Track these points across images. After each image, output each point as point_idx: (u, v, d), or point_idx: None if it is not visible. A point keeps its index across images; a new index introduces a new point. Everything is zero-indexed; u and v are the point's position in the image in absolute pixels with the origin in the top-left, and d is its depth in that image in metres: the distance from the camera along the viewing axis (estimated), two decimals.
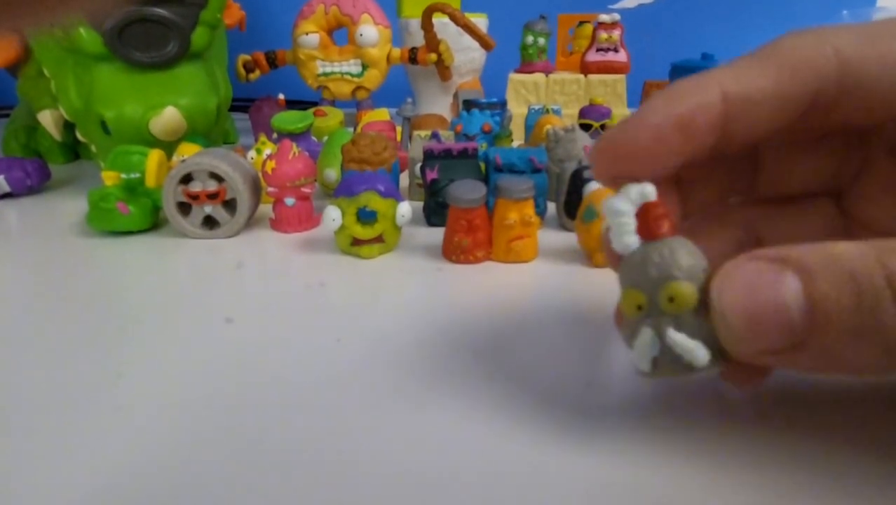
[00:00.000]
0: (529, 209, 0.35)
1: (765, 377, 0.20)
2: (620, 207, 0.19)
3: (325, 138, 0.49)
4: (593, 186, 0.38)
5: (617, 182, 0.19)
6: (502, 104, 0.58)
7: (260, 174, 0.42)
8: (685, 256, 0.17)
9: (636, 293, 0.18)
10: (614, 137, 0.19)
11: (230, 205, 0.40)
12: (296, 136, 0.49)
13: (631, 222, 0.19)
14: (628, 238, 0.19)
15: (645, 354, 0.18)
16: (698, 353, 0.17)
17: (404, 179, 0.51)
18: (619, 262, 0.20)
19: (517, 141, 0.64)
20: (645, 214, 0.18)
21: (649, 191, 0.18)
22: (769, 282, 0.15)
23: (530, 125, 0.59)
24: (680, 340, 0.17)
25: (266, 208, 0.44)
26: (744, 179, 0.23)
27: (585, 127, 0.61)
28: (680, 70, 0.68)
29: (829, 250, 0.15)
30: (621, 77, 0.70)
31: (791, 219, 0.22)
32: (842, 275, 0.15)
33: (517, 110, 0.69)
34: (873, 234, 0.16)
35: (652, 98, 0.19)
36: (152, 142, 0.46)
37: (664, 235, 0.18)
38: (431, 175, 0.40)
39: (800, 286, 0.15)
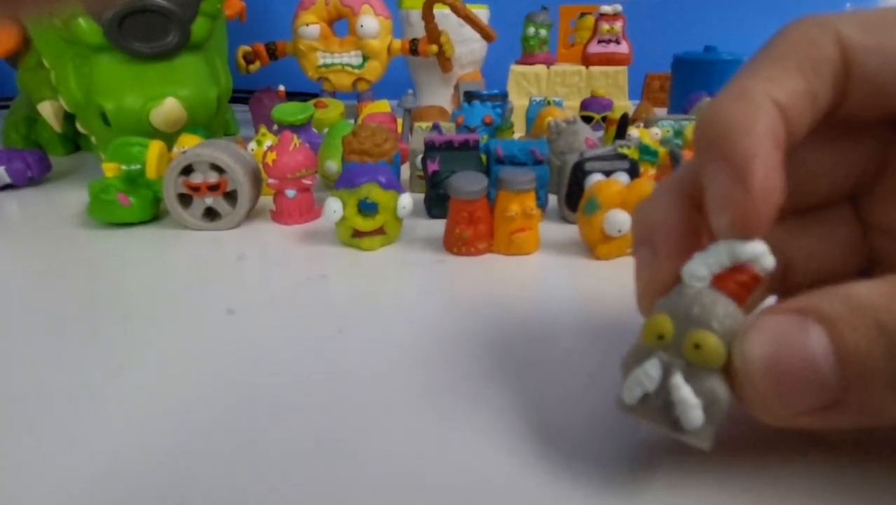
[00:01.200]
0: (531, 201, 0.35)
1: None
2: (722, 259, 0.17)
3: (326, 130, 0.49)
4: (595, 178, 0.38)
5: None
6: (503, 96, 0.58)
7: (261, 166, 0.42)
8: (732, 316, 0.16)
9: (666, 321, 0.17)
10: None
11: (231, 196, 0.40)
12: (296, 128, 0.49)
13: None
14: (701, 272, 0.17)
15: (639, 385, 0.17)
16: (694, 412, 0.16)
17: (405, 171, 0.51)
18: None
19: (518, 133, 0.64)
20: (739, 274, 0.17)
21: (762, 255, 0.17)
22: (793, 335, 0.14)
23: (532, 117, 0.59)
24: (685, 389, 0.16)
25: (267, 200, 0.44)
26: None
27: (587, 119, 0.61)
28: (682, 62, 0.68)
29: (851, 296, 0.14)
30: (623, 69, 0.70)
31: (813, 232, 0.21)
32: (868, 324, 0.14)
33: (518, 102, 0.68)
34: (894, 241, 0.15)
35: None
36: (152, 133, 0.46)
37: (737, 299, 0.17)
38: (433, 167, 0.40)
39: (826, 338, 0.14)
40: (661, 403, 0.16)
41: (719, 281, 0.17)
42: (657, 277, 0.19)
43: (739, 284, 0.16)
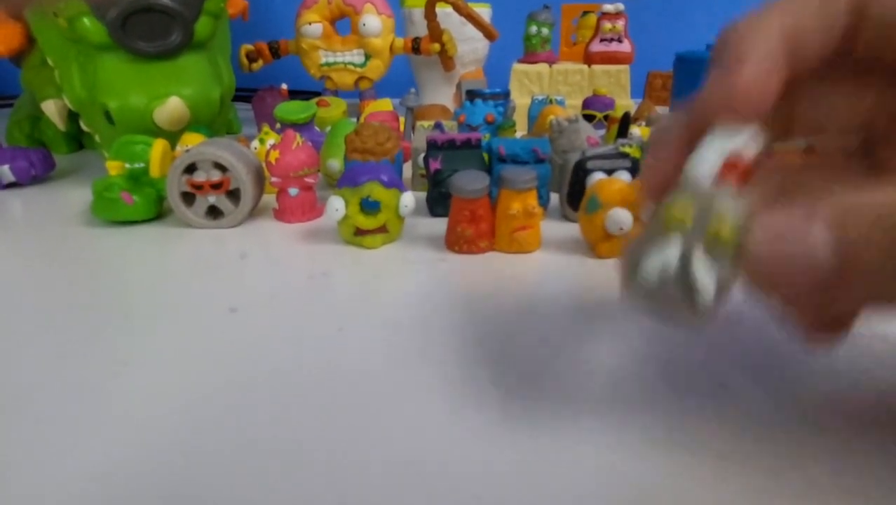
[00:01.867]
0: (532, 200, 0.35)
1: (841, 334, 0.19)
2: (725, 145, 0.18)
3: (329, 128, 0.49)
4: (596, 177, 0.38)
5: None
6: (505, 94, 0.58)
7: (263, 164, 0.42)
8: (747, 207, 0.17)
9: (690, 208, 0.18)
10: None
11: (234, 195, 0.40)
12: (299, 127, 0.49)
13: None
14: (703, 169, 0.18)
15: (659, 264, 0.18)
16: (710, 288, 0.17)
17: (407, 170, 0.51)
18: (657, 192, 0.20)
19: (520, 131, 0.64)
20: (734, 167, 0.18)
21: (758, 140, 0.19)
22: (798, 225, 0.16)
23: (534, 116, 0.59)
24: (704, 267, 0.17)
25: (269, 198, 0.44)
26: (780, 125, 0.22)
27: (589, 118, 0.61)
28: (684, 61, 0.68)
29: (853, 197, 0.16)
30: (625, 67, 0.70)
31: (825, 174, 0.21)
32: (869, 217, 0.15)
33: (520, 101, 0.68)
34: None
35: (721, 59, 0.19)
36: (156, 132, 0.46)
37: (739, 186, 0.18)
38: (435, 165, 0.40)
39: (827, 230, 0.15)
40: (680, 282, 0.17)
41: (720, 175, 0.18)
42: (663, 169, 0.20)
43: (737, 175, 0.18)
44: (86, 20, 0.44)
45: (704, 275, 0.17)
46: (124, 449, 0.20)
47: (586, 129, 0.45)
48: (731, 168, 0.18)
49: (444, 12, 0.67)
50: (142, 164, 0.41)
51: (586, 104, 0.62)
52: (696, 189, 0.18)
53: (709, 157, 0.18)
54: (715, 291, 0.17)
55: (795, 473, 0.19)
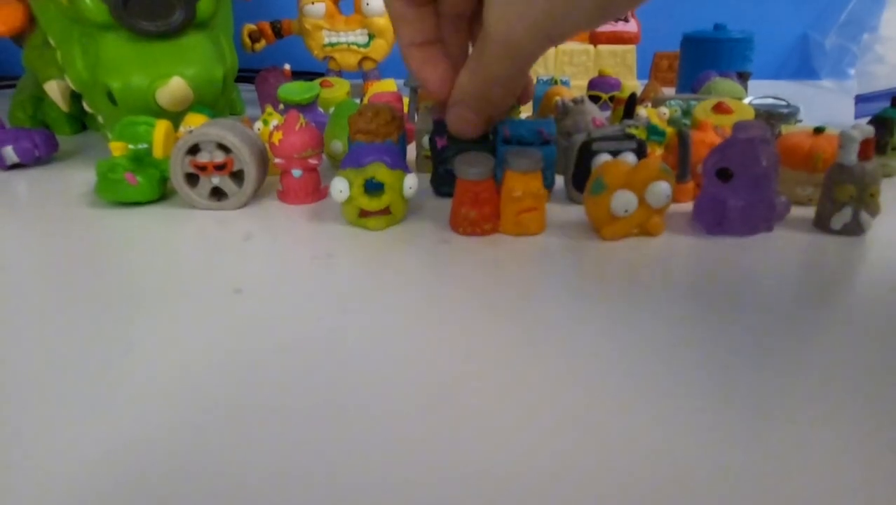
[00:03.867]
0: (537, 182, 0.35)
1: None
2: (854, 136, 0.33)
3: (332, 109, 0.49)
4: (602, 159, 0.38)
5: None
6: None
7: (267, 145, 0.42)
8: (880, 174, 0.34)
9: (852, 188, 0.34)
10: None
11: (238, 176, 0.40)
12: (302, 107, 0.49)
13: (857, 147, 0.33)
14: (853, 156, 0.34)
15: (842, 221, 0.35)
16: (867, 222, 0.35)
17: (411, 151, 0.51)
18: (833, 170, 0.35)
19: (525, 112, 0.64)
20: (866, 145, 0.33)
21: (869, 130, 0.33)
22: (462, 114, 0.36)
23: (539, 97, 0.58)
24: (868, 217, 0.35)
25: (273, 180, 0.44)
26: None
27: (594, 99, 0.60)
28: (691, 41, 0.67)
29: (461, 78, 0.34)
30: (631, 48, 0.69)
31: (459, 30, 0.35)
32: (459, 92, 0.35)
33: None
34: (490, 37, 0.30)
35: None
36: (159, 112, 0.46)
37: (870, 158, 0.34)
38: (441, 142, 0.40)
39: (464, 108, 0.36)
40: (854, 226, 0.35)
41: (862, 153, 0.34)
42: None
43: (868, 149, 0.34)
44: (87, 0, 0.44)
45: (869, 218, 0.34)
46: (130, 429, 0.20)
47: (592, 110, 0.45)
48: (869, 145, 0.34)
49: None
50: (145, 145, 0.41)
51: (592, 85, 0.61)
52: None
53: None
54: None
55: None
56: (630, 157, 0.38)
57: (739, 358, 0.24)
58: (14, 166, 0.49)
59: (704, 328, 0.26)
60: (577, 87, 0.65)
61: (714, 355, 0.24)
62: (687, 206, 0.39)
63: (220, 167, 0.39)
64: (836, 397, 0.21)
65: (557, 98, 0.46)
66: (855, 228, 0.35)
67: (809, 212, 0.38)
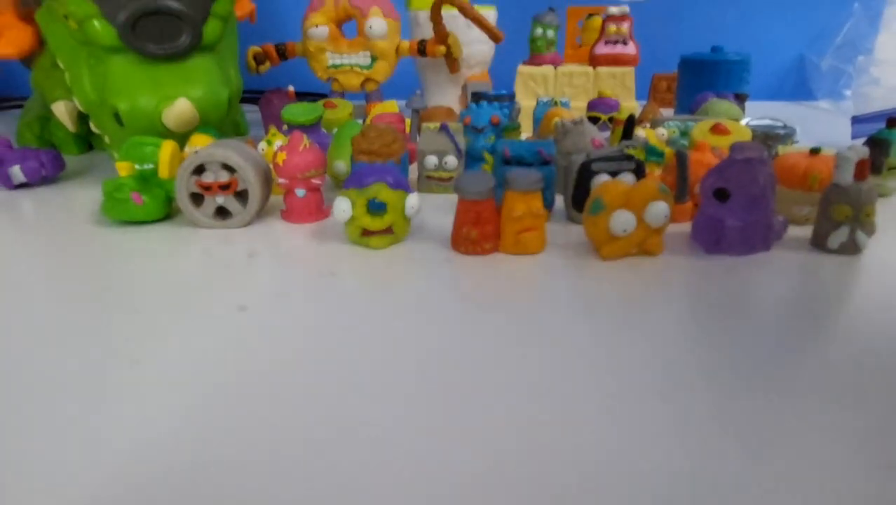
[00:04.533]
0: (537, 201, 0.36)
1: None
2: (850, 157, 0.34)
3: (335, 130, 0.49)
4: (601, 179, 0.39)
5: None
6: (511, 96, 0.58)
7: (271, 166, 0.42)
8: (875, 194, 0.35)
9: (848, 208, 0.34)
10: None
11: (242, 195, 0.41)
12: (306, 128, 0.49)
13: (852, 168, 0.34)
14: (849, 177, 0.35)
15: (839, 240, 0.35)
16: (864, 242, 0.35)
17: (413, 171, 0.51)
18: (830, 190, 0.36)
19: (526, 133, 0.64)
20: (861, 165, 0.34)
21: (864, 151, 0.34)
22: None
23: (539, 117, 0.59)
24: (864, 237, 0.35)
25: (277, 199, 0.45)
26: None
27: (594, 120, 0.61)
28: (689, 63, 0.68)
29: None
30: (630, 70, 0.70)
31: None
32: None
33: (526, 102, 0.69)
34: None
35: None
36: (165, 133, 0.46)
37: (865, 179, 0.34)
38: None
39: None
40: (852, 246, 0.36)
41: (858, 174, 0.35)
42: None
43: (864, 169, 0.35)
44: (96, 23, 0.45)
45: (864, 238, 0.35)
46: (136, 441, 0.20)
47: (591, 131, 0.45)
48: (864, 165, 0.34)
49: (450, 15, 0.68)
50: (151, 166, 0.42)
51: (591, 106, 0.62)
52: None
53: None
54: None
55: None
56: (629, 178, 0.39)
57: (737, 375, 0.24)
58: (21, 185, 0.50)
59: (703, 346, 0.26)
60: (577, 108, 0.66)
61: (713, 372, 0.24)
62: (686, 225, 0.39)
63: (224, 187, 0.40)
64: (833, 414, 0.22)
65: (557, 119, 0.47)
66: (851, 248, 0.35)
67: (807, 231, 0.38)
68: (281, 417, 0.22)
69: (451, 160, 0.47)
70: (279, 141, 0.46)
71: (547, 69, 0.71)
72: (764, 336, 0.27)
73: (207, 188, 0.40)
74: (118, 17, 0.45)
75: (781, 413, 0.22)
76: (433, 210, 0.43)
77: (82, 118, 0.58)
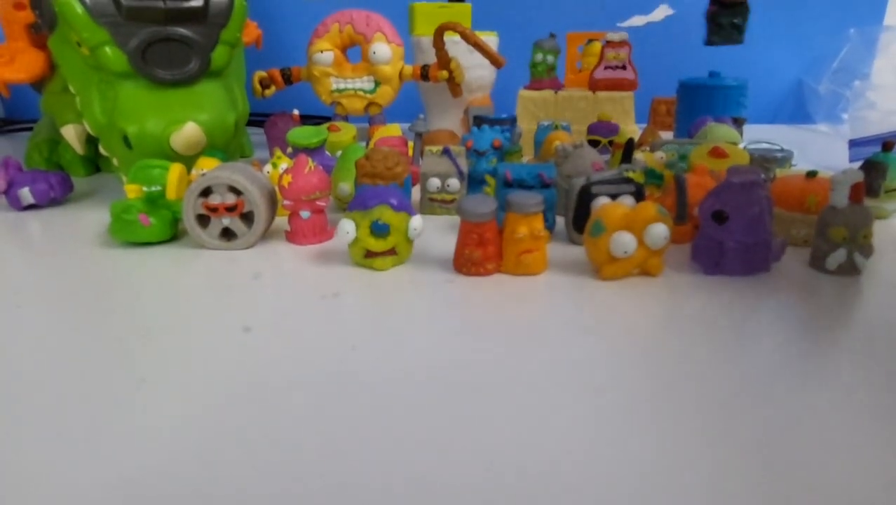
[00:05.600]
0: (539, 223, 0.36)
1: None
2: (844, 180, 0.35)
3: (339, 153, 0.50)
4: (601, 201, 0.39)
5: None
6: (512, 120, 0.59)
7: (276, 188, 0.43)
8: (873, 216, 0.36)
9: (844, 230, 0.35)
10: None
11: (247, 217, 0.41)
12: (310, 151, 0.50)
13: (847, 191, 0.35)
14: (844, 199, 0.35)
15: (837, 261, 0.35)
16: (862, 263, 0.35)
17: (416, 193, 0.52)
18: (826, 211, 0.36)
19: (527, 156, 0.65)
20: (856, 188, 0.35)
21: (859, 174, 0.35)
22: None
23: (539, 141, 0.60)
24: (862, 258, 0.35)
25: (282, 221, 0.45)
26: None
27: (594, 143, 0.62)
28: (687, 87, 0.69)
29: None
30: (629, 94, 0.71)
31: None
32: None
33: (527, 126, 0.70)
34: None
35: None
36: (172, 156, 0.47)
37: (860, 201, 0.35)
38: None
39: None
40: (848, 267, 0.36)
41: (853, 196, 0.36)
42: None
43: (859, 192, 0.36)
44: (108, 49, 0.46)
45: (863, 260, 0.36)
46: (142, 461, 0.21)
47: (591, 154, 0.46)
48: (859, 188, 0.35)
49: (452, 40, 0.69)
50: (159, 188, 0.42)
51: (591, 130, 0.63)
52: None
53: None
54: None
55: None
56: (628, 200, 0.39)
57: (738, 395, 0.24)
58: (30, 207, 0.51)
59: (703, 366, 0.27)
60: (577, 131, 0.67)
61: (713, 392, 0.24)
62: (686, 247, 0.40)
63: (230, 209, 0.40)
64: (834, 434, 0.22)
65: (558, 143, 0.48)
66: (850, 269, 0.36)
67: (805, 253, 0.39)
68: (285, 437, 0.22)
69: (454, 183, 0.48)
70: (284, 164, 0.47)
71: (547, 93, 0.72)
72: (764, 354, 0.27)
73: (214, 210, 0.40)
74: (129, 44, 0.46)
75: (785, 432, 0.22)
76: (436, 232, 0.44)
77: (90, 141, 0.59)
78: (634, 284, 0.36)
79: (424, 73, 0.71)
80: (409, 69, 0.72)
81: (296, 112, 0.67)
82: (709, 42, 0.61)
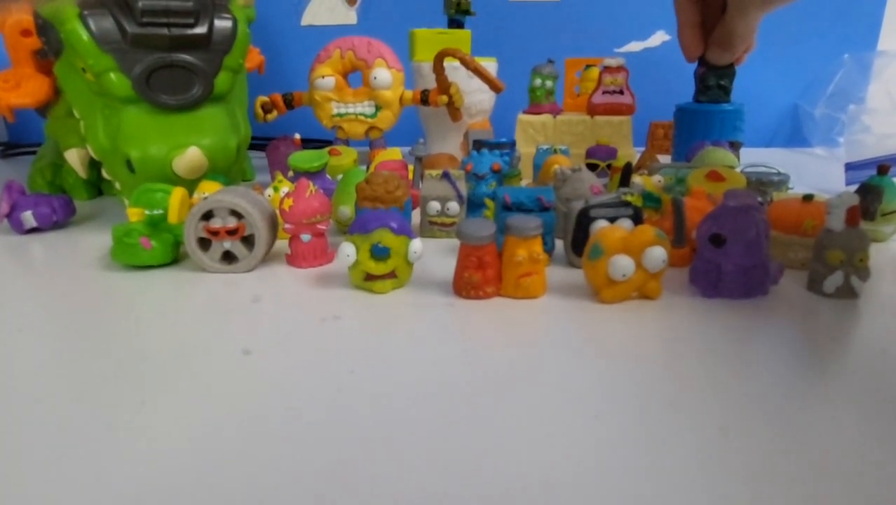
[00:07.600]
0: (538, 246, 0.36)
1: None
2: (840, 203, 0.35)
3: (340, 177, 0.51)
4: (599, 225, 0.40)
5: None
6: (511, 144, 0.60)
7: (277, 211, 0.43)
8: (869, 239, 0.35)
9: (841, 253, 0.35)
10: None
11: (248, 240, 0.42)
12: (311, 175, 0.51)
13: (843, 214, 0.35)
14: (840, 223, 0.35)
15: (834, 284, 0.36)
16: (859, 287, 0.36)
17: (416, 217, 0.52)
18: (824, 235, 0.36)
19: (526, 180, 0.66)
20: (852, 212, 0.35)
21: (854, 198, 0.35)
22: None
23: (538, 165, 0.61)
24: (859, 282, 0.36)
25: (282, 244, 0.45)
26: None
27: (592, 167, 0.62)
28: (684, 112, 0.70)
29: None
30: (627, 118, 0.72)
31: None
32: None
33: (526, 150, 0.70)
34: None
35: None
36: (174, 180, 0.48)
37: (856, 225, 0.35)
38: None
39: None
40: (846, 290, 0.36)
41: (849, 219, 0.36)
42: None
43: (855, 215, 0.36)
44: (112, 75, 0.47)
45: (860, 283, 0.36)
46: (142, 484, 0.21)
47: (589, 177, 0.46)
48: (855, 211, 0.35)
49: (452, 66, 0.70)
50: (161, 211, 0.43)
51: (589, 153, 0.64)
52: None
53: None
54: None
55: None
56: (626, 224, 0.40)
57: (735, 419, 0.24)
58: (32, 230, 0.51)
59: (701, 390, 0.27)
60: (576, 155, 0.68)
61: (710, 417, 0.25)
62: (684, 269, 0.40)
63: (231, 232, 0.41)
64: (831, 459, 0.22)
65: (556, 166, 0.48)
66: (847, 292, 0.36)
67: (803, 275, 0.39)
68: (286, 461, 0.22)
69: (454, 206, 0.49)
70: (286, 187, 0.48)
71: (546, 118, 0.73)
72: (762, 378, 0.27)
73: (215, 233, 0.41)
74: (134, 70, 0.47)
75: (784, 455, 0.22)
76: (436, 255, 0.44)
77: (93, 165, 0.60)
78: (633, 306, 0.36)
79: (424, 98, 0.72)
80: (409, 94, 0.73)
81: (297, 136, 0.68)
82: (696, 101, 0.67)
